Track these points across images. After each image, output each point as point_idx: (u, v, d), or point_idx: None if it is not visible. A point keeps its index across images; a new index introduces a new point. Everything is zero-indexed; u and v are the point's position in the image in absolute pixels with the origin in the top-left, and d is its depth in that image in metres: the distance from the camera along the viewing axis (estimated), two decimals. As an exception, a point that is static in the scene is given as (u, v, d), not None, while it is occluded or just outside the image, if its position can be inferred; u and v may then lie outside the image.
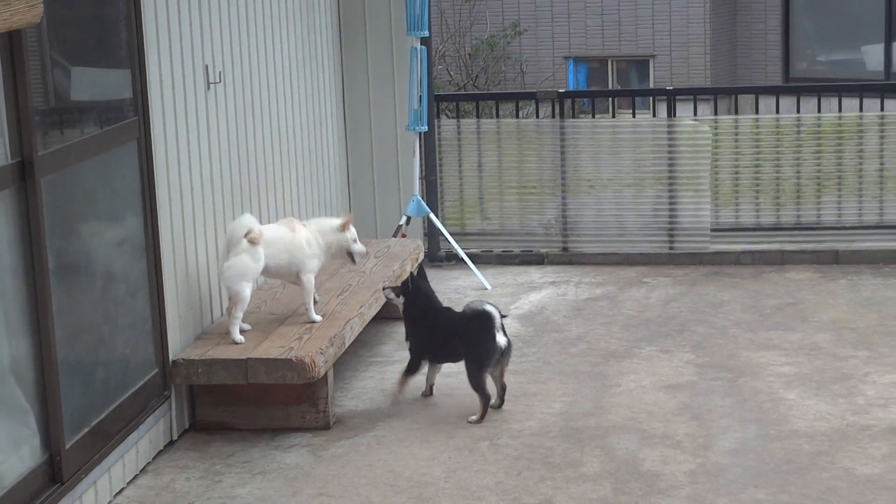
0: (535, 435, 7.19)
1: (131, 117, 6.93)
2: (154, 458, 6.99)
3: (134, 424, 6.79)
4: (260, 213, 8.62)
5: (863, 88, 11.74)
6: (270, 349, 7.27)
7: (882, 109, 11.20)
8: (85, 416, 6.38)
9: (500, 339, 7.48)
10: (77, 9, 6.60)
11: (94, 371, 6.61)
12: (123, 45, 6.91)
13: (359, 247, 8.02)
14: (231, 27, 8.26)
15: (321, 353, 7.24)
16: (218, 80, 7.95)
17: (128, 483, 6.67)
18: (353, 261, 8.08)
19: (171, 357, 7.20)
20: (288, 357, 7.13)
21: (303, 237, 7.80)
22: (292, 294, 8.30)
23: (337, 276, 8.73)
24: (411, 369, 7.79)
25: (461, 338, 7.56)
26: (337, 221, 8.00)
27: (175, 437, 7.24)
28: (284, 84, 9.28)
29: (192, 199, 7.55)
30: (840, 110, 11.23)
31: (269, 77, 8.98)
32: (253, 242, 7.46)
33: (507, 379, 7.69)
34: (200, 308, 7.68)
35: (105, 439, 6.50)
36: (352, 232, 7.98)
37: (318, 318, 7.79)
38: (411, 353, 7.82)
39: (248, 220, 7.56)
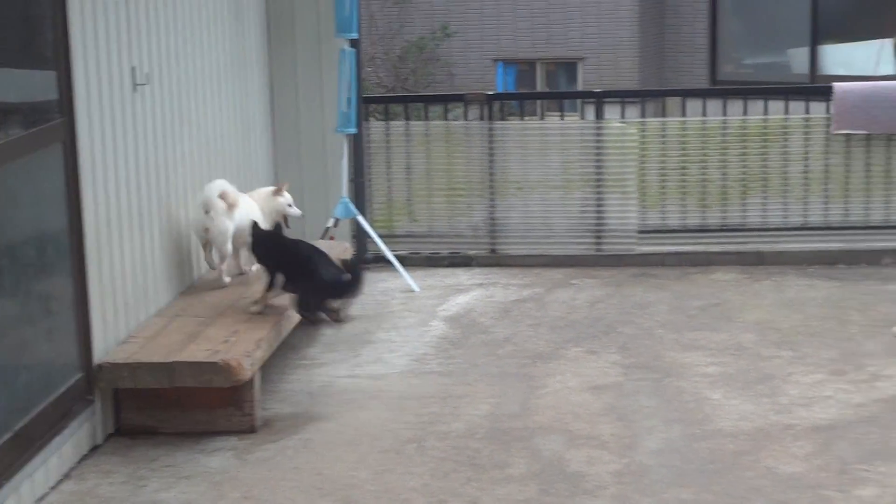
0: (461, 437, 7.21)
1: (56, 119, 6.88)
2: (78, 463, 6.92)
3: (57, 429, 6.72)
4: (188, 217, 8.59)
5: (788, 91, 11.86)
6: (196, 352, 7.24)
7: (807, 112, 11.31)
8: (7, 421, 6.30)
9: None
10: (0, 9, 6.54)
11: (16, 375, 6.54)
12: (49, 47, 6.85)
13: (294, 210, 9.11)
14: (158, 29, 8.22)
15: (248, 355, 7.22)
16: (145, 82, 7.91)
17: (51, 488, 6.61)
18: (288, 224, 8.97)
19: (95, 361, 7.14)
20: (214, 360, 7.10)
21: (254, 203, 8.81)
22: (220, 296, 8.31)
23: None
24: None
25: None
26: (272, 188, 9.15)
27: (100, 442, 7.18)
28: (212, 86, 9.25)
29: (117, 201, 7.50)
30: (766, 113, 11.33)
31: (197, 79, 8.95)
32: (231, 206, 8.42)
33: (435, 381, 7.70)
34: (126, 311, 7.63)
35: (28, 444, 6.43)
36: (286, 197, 9.05)
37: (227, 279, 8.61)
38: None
39: (223, 184, 8.48)
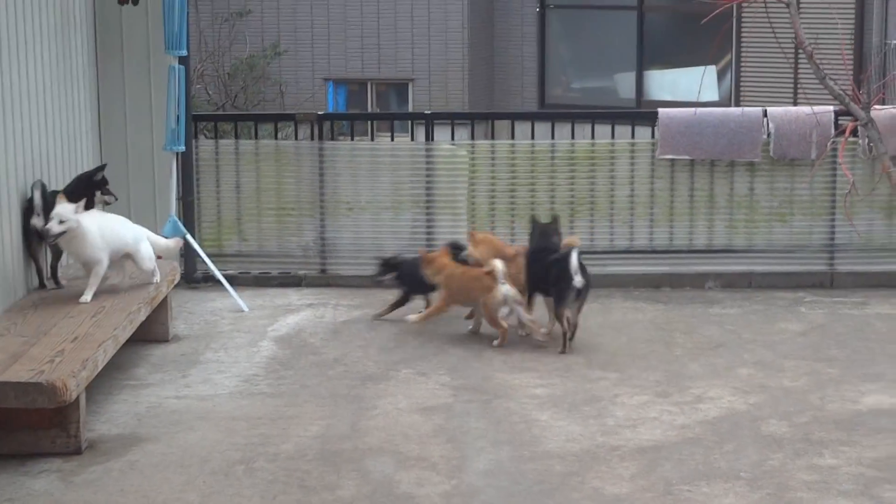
0: (291, 458, 7.17)
1: None
2: None
3: None
4: (11, 234, 8.42)
5: (615, 116, 12.04)
6: (20, 372, 7.09)
7: (633, 136, 11.51)
8: None
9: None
10: None
11: None
12: None
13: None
14: (-19, 42, 8.06)
15: (73, 376, 7.09)
16: (-33, 97, 7.74)
17: None
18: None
19: (-85, 381, 6.97)
20: (39, 381, 6.97)
21: None
22: (43, 316, 8.17)
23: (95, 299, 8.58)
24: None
25: None
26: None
27: (-82, 464, 7.01)
28: (36, 103, 9.08)
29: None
30: (593, 137, 11.48)
31: (22, 96, 8.77)
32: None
33: (265, 402, 7.62)
34: (-53, 330, 7.46)
35: None
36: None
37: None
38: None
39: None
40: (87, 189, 9.06)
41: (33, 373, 7.08)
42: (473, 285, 9.31)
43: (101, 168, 9.30)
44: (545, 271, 9.33)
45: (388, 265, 10.07)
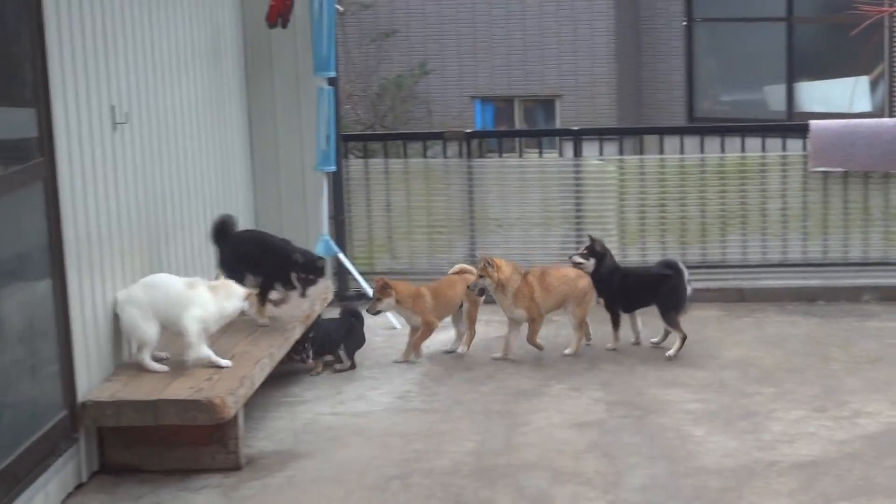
0: (446, 473, 7.20)
1: (37, 158, 6.87)
2: (63, 501, 6.90)
3: (42, 467, 6.70)
4: (169, 254, 8.58)
5: (765, 129, 11.92)
6: (180, 390, 7.23)
7: (784, 149, 11.38)
8: (-8, 459, 6.29)
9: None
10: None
11: (1, 414, 6.52)
12: (28, 85, 6.85)
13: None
14: (137, 67, 8.22)
15: (231, 393, 7.20)
16: (124, 121, 7.90)
17: (36, 527, 6.59)
18: None
19: (79, 399, 7.12)
20: (198, 398, 7.09)
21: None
22: (201, 335, 8.32)
23: (247, 316, 8.68)
24: (615, 323, 9.61)
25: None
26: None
27: (84, 480, 7.16)
28: (191, 124, 9.25)
29: (99, 239, 7.49)
30: (743, 150, 11.38)
31: (176, 117, 8.95)
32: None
33: (419, 418, 7.68)
34: (110, 349, 7.61)
35: (13, 482, 6.41)
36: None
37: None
38: (609, 309, 9.63)
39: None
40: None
41: (192, 390, 7.21)
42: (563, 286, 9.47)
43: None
44: (649, 286, 9.49)
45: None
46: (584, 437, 7.77)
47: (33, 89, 6.87)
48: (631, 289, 9.59)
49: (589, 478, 7.10)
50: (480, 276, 9.35)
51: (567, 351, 9.44)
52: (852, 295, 10.94)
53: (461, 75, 25.18)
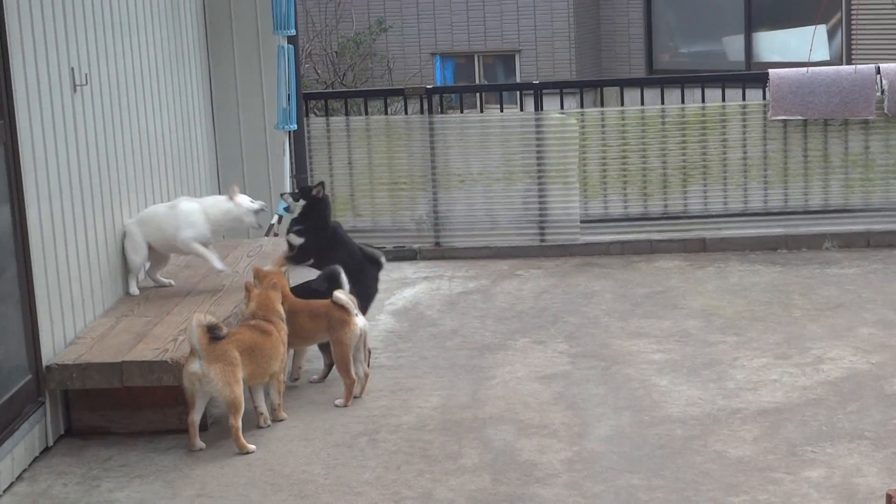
0: (413, 429, 7.23)
1: (-3, 121, 6.85)
2: (30, 465, 6.90)
3: (8, 431, 6.70)
4: (131, 213, 8.56)
5: (725, 79, 11.95)
6: (145, 352, 7.23)
7: (744, 99, 11.41)
8: (-43, 425, 6.28)
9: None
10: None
11: (-34, 379, 6.52)
12: (-14, 50, 6.82)
13: (254, 206, 8.56)
14: (96, 29, 8.18)
15: (197, 353, 7.20)
16: (84, 83, 7.87)
17: (4, 491, 6.58)
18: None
19: (44, 362, 7.11)
20: (163, 359, 7.09)
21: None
22: (165, 295, 8.29)
23: (210, 277, 8.69)
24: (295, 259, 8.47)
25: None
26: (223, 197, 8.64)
27: (51, 443, 7.15)
28: (151, 85, 9.22)
29: (60, 200, 7.47)
30: (703, 101, 11.42)
31: (136, 78, 8.91)
32: None
33: (385, 374, 7.70)
34: (73, 312, 7.60)
35: (-21, 447, 6.41)
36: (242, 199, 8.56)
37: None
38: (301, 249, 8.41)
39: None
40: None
41: (158, 352, 7.21)
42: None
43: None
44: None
45: None
46: (549, 389, 7.81)
47: (-9, 54, 6.83)
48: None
49: (555, 430, 7.15)
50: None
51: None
52: (813, 242, 11.02)
53: (421, 32, 25.11)
